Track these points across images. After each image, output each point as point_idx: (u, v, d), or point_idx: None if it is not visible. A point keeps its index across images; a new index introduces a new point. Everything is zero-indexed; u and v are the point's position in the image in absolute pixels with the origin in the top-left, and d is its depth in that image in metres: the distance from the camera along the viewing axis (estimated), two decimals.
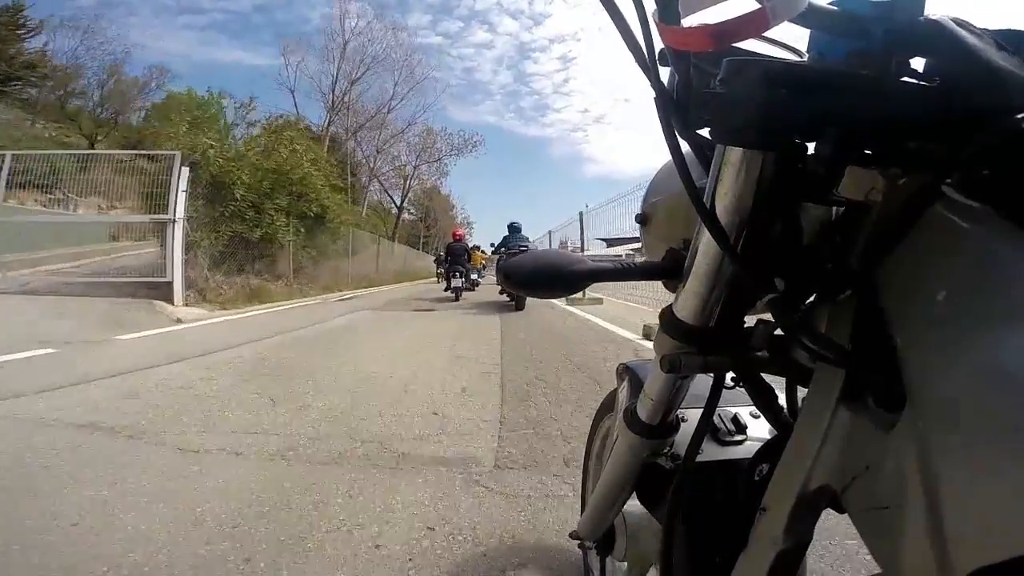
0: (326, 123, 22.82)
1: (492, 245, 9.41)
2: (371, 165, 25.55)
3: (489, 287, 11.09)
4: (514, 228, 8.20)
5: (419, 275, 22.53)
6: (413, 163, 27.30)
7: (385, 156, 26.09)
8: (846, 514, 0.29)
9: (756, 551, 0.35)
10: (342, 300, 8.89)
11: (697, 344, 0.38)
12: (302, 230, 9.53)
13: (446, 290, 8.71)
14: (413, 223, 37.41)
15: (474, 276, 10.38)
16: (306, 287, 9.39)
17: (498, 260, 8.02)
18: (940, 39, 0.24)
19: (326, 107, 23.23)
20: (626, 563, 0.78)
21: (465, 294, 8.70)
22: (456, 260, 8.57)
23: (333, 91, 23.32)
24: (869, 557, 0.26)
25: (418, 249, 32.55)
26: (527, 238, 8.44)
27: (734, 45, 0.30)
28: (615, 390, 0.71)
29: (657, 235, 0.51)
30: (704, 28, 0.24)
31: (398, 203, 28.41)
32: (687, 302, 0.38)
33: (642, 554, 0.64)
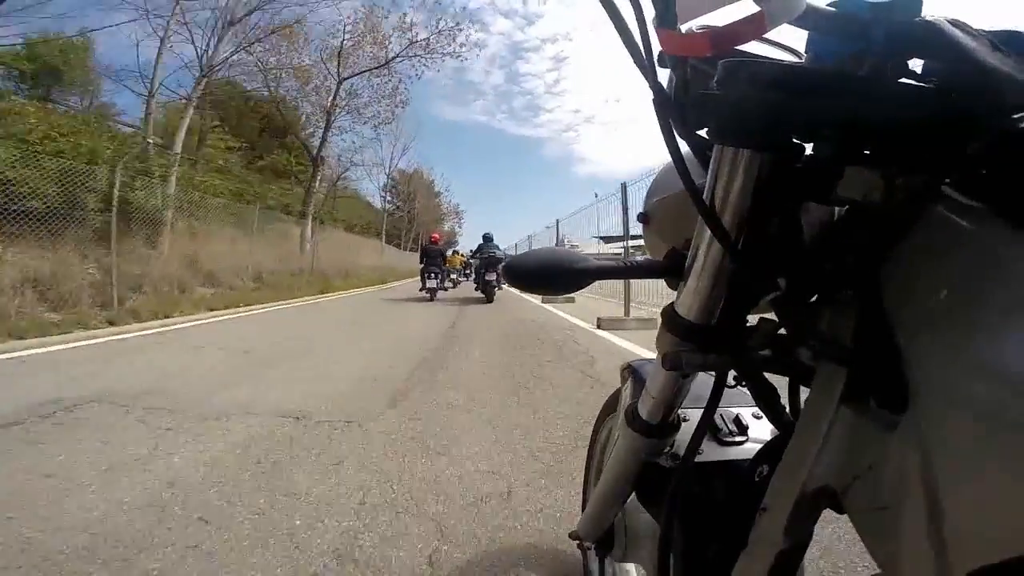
0: None
1: (471, 251, 11.79)
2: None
3: (466, 286, 12.31)
4: (487, 238, 9.62)
5: (363, 279, 13.54)
6: (336, 75, 13.68)
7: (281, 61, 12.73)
8: (845, 515, 0.29)
9: (756, 551, 0.36)
10: None
11: (698, 342, 0.38)
12: None
13: (421, 290, 9.18)
14: (389, 212, 30.96)
15: (454, 275, 12.13)
16: None
17: (476, 265, 9.98)
18: (937, 40, 0.24)
19: None
20: (625, 563, 0.78)
21: (439, 293, 9.22)
22: (432, 262, 9.01)
23: None
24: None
25: (376, 238, 24.00)
26: (498, 246, 9.78)
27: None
28: (618, 390, 0.71)
29: (659, 234, 0.51)
30: (702, 33, 0.24)
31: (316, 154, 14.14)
32: (689, 300, 0.38)
33: (641, 554, 0.64)
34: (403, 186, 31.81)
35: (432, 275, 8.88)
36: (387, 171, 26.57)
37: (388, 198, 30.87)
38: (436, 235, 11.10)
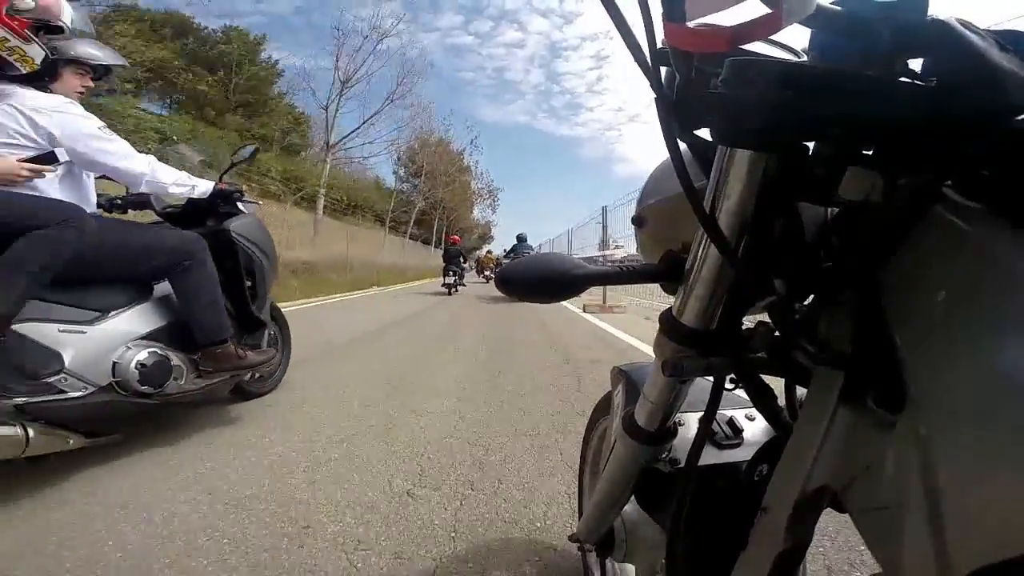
0: None
1: (504, 250, 13.71)
2: None
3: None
4: (520, 238, 10.01)
5: None
6: None
7: None
8: (846, 514, 0.29)
9: (756, 552, 0.35)
10: None
11: (698, 347, 0.38)
12: None
13: (442, 286, 10.57)
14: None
15: (487, 272, 14.97)
16: None
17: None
18: (946, 39, 0.24)
19: None
20: (625, 565, 0.78)
21: (460, 289, 10.70)
22: (452, 261, 10.54)
23: None
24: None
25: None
26: (531, 247, 10.17)
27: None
28: (610, 392, 0.71)
29: (654, 237, 0.51)
30: (716, 29, 0.23)
31: None
32: (688, 305, 0.38)
33: (641, 556, 0.64)
34: (417, 152, 23.79)
35: (451, 273, 10.35)
36: (341, 75, 16.77)
37: (402, 173, 23.37)
38: (456, 237, 12.62)
